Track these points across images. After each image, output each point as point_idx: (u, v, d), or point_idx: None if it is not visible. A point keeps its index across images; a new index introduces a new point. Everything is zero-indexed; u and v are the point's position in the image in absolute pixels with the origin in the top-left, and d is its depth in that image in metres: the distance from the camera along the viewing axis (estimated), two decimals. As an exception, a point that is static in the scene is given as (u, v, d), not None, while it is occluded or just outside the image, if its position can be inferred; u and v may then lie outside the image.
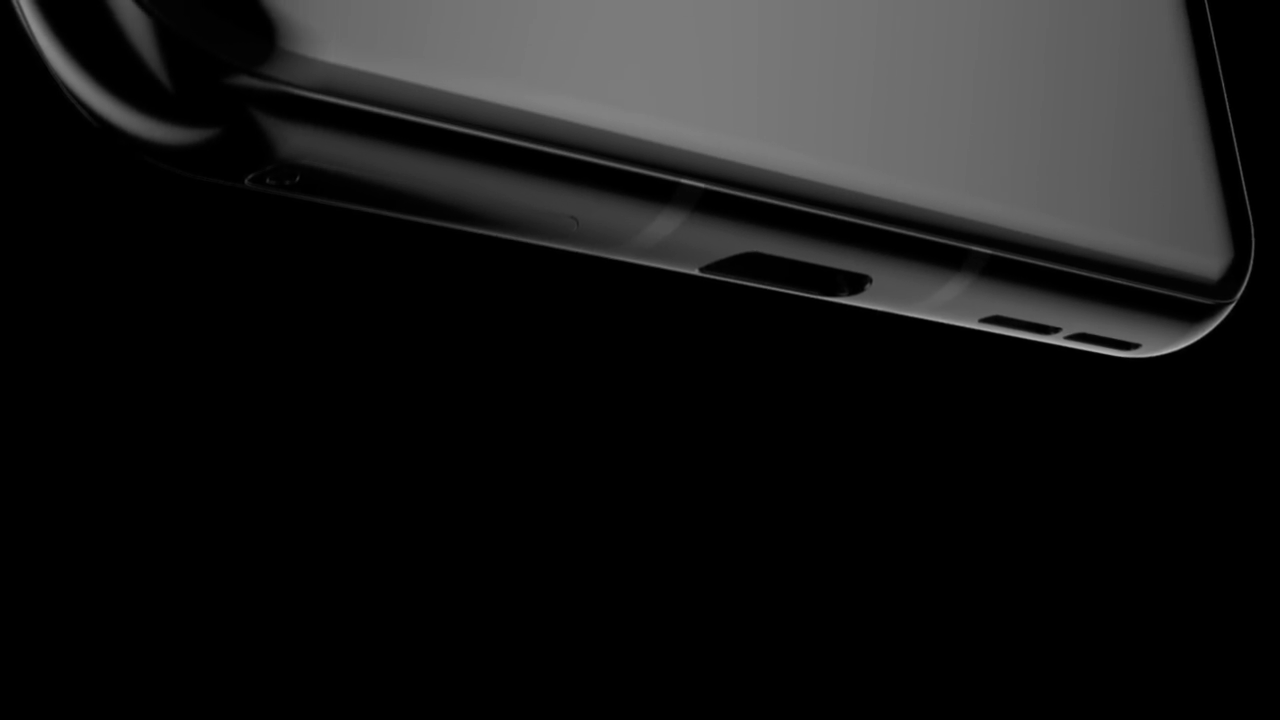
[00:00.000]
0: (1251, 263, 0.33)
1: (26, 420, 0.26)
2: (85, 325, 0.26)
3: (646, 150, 0.24)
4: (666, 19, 0.24)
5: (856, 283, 0.28)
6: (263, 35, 0.20)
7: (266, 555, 0.28)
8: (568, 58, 0.23)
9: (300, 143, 0.21)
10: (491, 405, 0.30)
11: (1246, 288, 0.33)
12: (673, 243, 0.25)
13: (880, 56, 0.27)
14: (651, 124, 0.24)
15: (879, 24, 0.27)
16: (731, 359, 0.32)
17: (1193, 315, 0.32)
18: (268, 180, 0.21)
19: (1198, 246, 0.32)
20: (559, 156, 0.23)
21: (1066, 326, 0.31)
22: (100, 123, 0.21)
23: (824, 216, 0.26)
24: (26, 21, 0.20)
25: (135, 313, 0.27)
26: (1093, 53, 0.31)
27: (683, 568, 0.32)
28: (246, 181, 0.21)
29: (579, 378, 0.31)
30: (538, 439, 0.30)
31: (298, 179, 0.21)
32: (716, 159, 0.24)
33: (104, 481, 0.27)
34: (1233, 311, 0.33)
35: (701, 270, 0.27)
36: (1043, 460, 0.37)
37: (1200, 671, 0.38)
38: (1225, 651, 0.38)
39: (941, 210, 0.28)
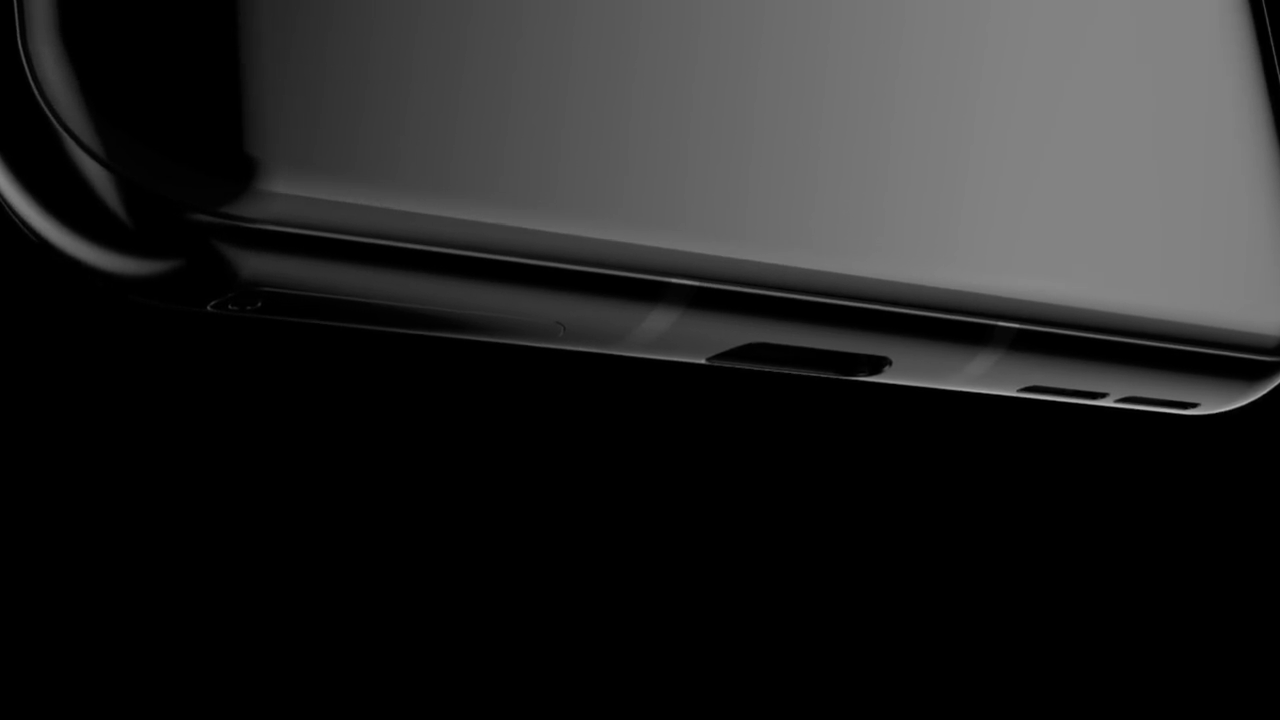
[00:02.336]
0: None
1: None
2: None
3: (628, 253, 0.23)
4: (639, 114, 0.24)
5: (876, 363, 0.27)
6: (221, 176, 0.20)
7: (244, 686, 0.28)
8: (531, 168, 0.22)
9: (263, 270, 0.21)
10: (500, 505, 0.30)
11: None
12: (670, 339, 0.25)
13: (871, 127, 0.26)
14: (632, 225, 0.23)
15: (869, 92, 0.26)
16: (753, 445, 0.32)
17: (1254, 374, 0.31)
18: (230, 306, 0.21)
19: (1256, 301, 0.31)
20: (537, 267, 0.23)
21: (1115, 391, 0.30)
22: (58, 255, 0.21)
23: (826, 304, 0.25)
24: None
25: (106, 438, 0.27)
26: (1132, 90, 0.30)
27: (708, 664, 0.31)
28: (209, 307, 0.21)
29: (591, 475, 0.30)
30: (554, 541, 0.30)
31: (259, 304, 0.21)
32: (703, 255, 0.24)
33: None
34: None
35: (708, 360, 0.26)
36: (1100, 529, 0.36)
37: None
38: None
39: (956, 288, 0.27)
